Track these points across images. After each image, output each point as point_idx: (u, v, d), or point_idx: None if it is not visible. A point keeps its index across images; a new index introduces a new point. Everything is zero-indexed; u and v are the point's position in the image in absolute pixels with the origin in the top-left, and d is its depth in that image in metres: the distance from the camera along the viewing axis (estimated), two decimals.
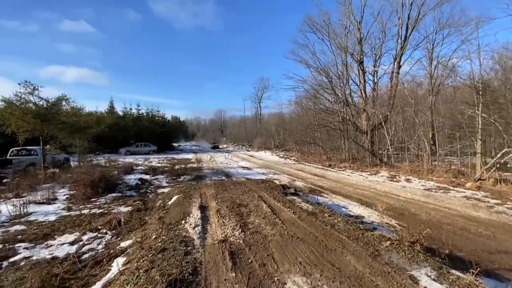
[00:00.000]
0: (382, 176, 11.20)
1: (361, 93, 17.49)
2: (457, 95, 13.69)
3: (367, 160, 14.45)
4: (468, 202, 6.93)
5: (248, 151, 36.52)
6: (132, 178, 11.15)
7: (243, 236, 3.72)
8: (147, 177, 11.92)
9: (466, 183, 8.88)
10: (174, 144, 45.64)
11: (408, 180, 10.04)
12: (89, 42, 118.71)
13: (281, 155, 24.82)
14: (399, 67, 15.83)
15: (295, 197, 6.46)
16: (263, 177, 11.33)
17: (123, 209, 6.83)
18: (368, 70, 17.53)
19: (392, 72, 16.06)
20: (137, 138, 30.09)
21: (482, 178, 9.13)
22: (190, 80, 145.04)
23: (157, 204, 7.00)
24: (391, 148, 13.83)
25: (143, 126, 32.25)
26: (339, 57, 18.08)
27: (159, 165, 17.01)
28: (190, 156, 26.06)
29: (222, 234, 3.85)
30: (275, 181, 9.92)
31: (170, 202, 6.66)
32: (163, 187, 9.87)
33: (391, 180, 10.19)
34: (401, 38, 15.71)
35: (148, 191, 9.27)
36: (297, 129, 25.88)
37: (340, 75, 17.90)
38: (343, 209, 6.50)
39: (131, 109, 33.76)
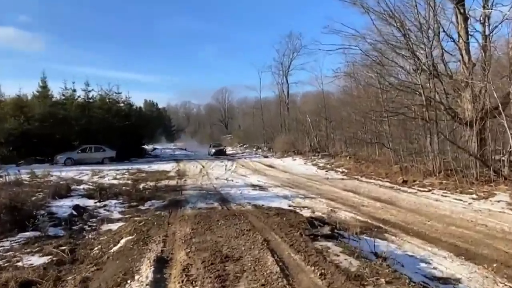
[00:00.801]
0: (499, 201, 10.62)
1: (461, 55, 16.68)
2: None
3: (473, 172, 13.74)
4: None
5: (266, 157, 36.85)
6: (65, 205, 11.31)
7: None
8: (90, 202, 12.14)
9: None
10: (146, 147, 46.19)
11: None
12: None
13: (322, 164, 24.74)
14: None
15: (330, 243, 6.07)
16: (284, 203, 11.28)
17: (36, 260, 6.72)
18: (474, 15, 16.64)
19: None
20: (85, 138, 30.79)
21: None
22: (175, 43, 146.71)
23: (93, 253, 6.85)
24: None
25: (95, 119, 32.91)
26: None
27: (115, 182, 17.32)
28: (168, 166, 26.53)
29: None
30: (302, 211, 9.69)
31: (113, 249, 6.47)
32: (113, 220, 9.90)
33: None
34: None
35: (86, 227, 9.27)
36: (349, 120, 25.51)
37: (423, 25, 17.18)
38: (422, 264, 6.04)
39: (74, 90, 34.55)
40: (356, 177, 17.73)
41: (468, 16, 16.54)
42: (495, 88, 14.16)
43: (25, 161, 24.91)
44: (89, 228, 9.13)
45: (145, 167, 26.18)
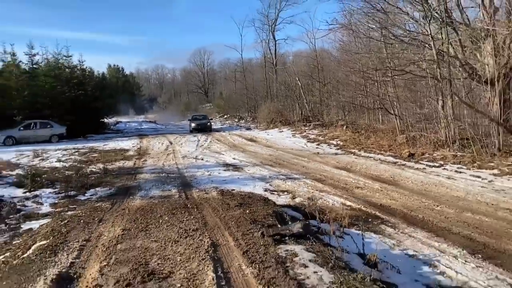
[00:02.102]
0: None
1: None
2: None
3: (494, 141, 13.46)
4: None
5: (249, 129, 37.20)
6: None
7: None
8: (18, 193, 11.54)
9: None
10: (108, 121, 45.61)
11: None
12: None
13: (313, 136, 24.99)
14: None
15: (300, 246, 5.45)
16: (259, 186, 11.21)
17: None
18: None
19: None
20: (29, 112, 30.02)
21: None
22: None
23: None
24: None
25: (41, 89, 32.00)
26: None
27: (58, 165, 16.72)
28: (129, 144, 26.47)
29: None
30: (280, 196, 9.78)
31: (15, 261, 5.84)
32: (38, 216, 9.24)
33: None
34: None
35: (3, 226, 8.53)
36: (347, 82, 25.43)
37: None
38: (425, 268, 5.51)
39: (14, 54, 33.26)
40: (353, 151, 17.82)
41: None
42: None
43: None
44: (6, 228, 8.42)
45: (100, 145, 25.97)
